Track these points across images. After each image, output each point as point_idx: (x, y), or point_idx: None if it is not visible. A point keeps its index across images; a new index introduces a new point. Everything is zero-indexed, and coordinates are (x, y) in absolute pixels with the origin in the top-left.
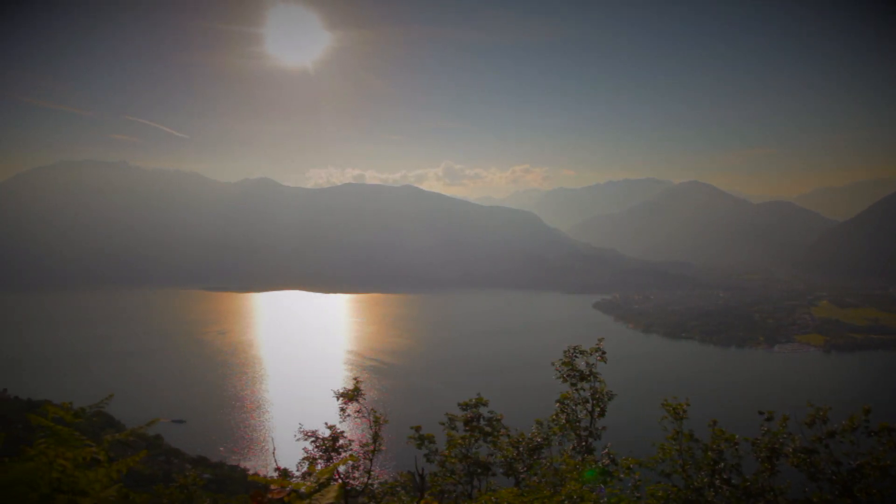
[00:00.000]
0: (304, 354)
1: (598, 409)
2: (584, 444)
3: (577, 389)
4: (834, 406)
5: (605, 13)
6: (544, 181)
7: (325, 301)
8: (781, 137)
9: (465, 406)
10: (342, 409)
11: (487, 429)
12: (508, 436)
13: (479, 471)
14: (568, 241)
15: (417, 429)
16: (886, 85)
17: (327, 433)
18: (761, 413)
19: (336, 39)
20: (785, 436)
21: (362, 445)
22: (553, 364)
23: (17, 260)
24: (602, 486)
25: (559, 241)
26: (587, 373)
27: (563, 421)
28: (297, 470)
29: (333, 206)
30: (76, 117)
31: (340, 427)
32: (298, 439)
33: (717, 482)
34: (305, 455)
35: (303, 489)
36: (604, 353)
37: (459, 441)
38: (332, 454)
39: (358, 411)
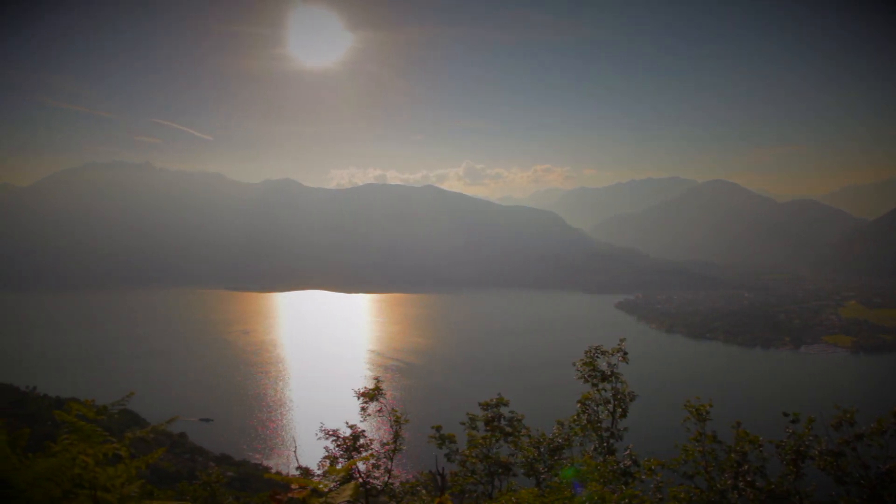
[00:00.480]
0: (326, 354)
1: (620, 409)
2: (605, 444)
3: (598, 390)
4: (862, 408)
5: (627, 11)
6: (566, 180)
7: (347, 301)
8: (809, 134)
9: (485, 406)
10: (363, 409)
11: (508, 429)
12: (529, 436)
13: (499, 471)
14: (590, 240)
15: (438, 428)
16: None
17: (348, 432)
18: (786, 415)
19: (358, 40)
20: (811, 438)
21: (383, 445)
22: (574, 364)
23: (47, 261)
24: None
25: (581, 240)
26: (609, 373)
27: (585, 421)
28: (319, 469)
29: (355, 206)
30: (102, 120)
31: (361, 426)
32: (319, 438)
33: (741, 485)
34: (326, 454)
35: (321, 487)
36: (626, 353)
37: (480, 441)
38: (353, 453)
39: (379, 411)
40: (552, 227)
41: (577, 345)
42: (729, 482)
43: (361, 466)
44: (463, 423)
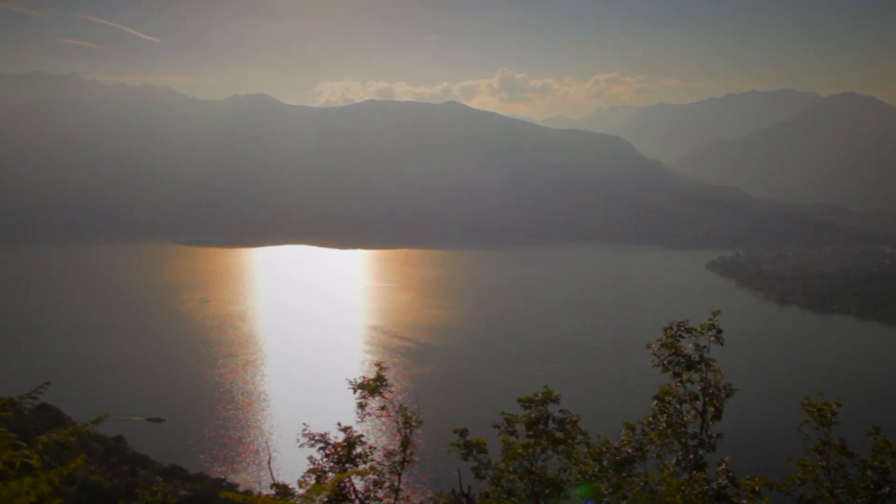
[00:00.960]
0: (311, 332)
1: (712, 408)
2: (691, 456)
3: (682, 382)
4: None
5: None
6: (638, 95)
7: (339, 259)
8: None
9: (528, 403)
10: (361, 406)
11: (558, 434)
12: (587, 444)
13: (546, 491)
14: (672, 176)
15: (463, 432)
16: None
17: (341, 437)
18: None
19: None
20: None
21: (387, 454)
22: (650, 347)
23: None
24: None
25: (660, 176)
26: (697, 359)
27: (664, 425)
28: (301, 487)
29: (351, 130)
30: (15, 16)
31: (358, 429)
32: (302, 445)
33: None
34: (311, 466)
35: None
36: (720, 331)
37: (520, 450)
38: (347, 465)
39: (382, 408)
40: (621, 159)
41: (654, 321)
42: None
43: (358, 483)
44: (497, 426)
